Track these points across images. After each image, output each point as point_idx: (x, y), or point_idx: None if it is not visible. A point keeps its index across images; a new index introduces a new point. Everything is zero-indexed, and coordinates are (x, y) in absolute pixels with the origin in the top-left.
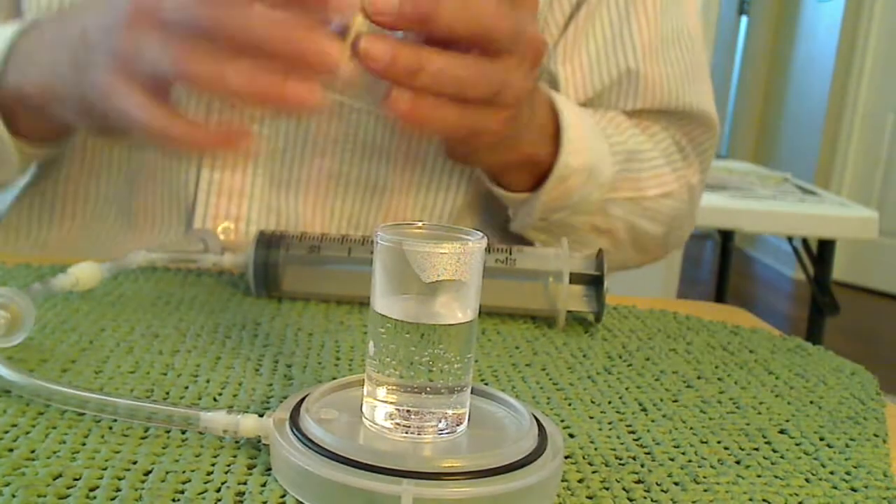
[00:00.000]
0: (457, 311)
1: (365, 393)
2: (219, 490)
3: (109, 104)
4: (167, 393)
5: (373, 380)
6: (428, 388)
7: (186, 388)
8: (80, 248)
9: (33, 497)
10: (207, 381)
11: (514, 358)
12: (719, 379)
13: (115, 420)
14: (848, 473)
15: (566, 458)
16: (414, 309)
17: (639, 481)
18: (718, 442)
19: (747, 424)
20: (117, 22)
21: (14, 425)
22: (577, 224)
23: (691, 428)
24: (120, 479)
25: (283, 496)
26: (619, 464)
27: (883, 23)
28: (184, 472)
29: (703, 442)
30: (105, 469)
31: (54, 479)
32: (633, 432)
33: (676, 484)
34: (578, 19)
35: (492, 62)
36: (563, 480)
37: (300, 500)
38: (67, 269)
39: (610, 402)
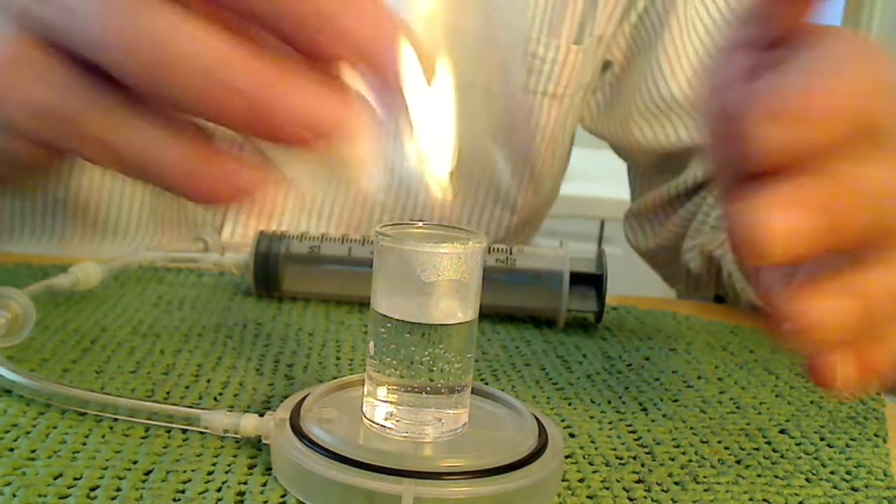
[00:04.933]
0: (457, 311)
1: (365, 393)
2: (219, 490)
3: None
4: (168, 393)
5: (373, 379)
6: (428, 388)
7: (187, 387)
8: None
9: (34, 497)
10: (208, 381)
11: (513, 358)
12: (719, 379)
13: (116, 420)
14: (848, 473)
15: (566, 457)
16: (414, 309)
17: (639, 481)
18: (719, 442)
19: (748, 424)
20: None
21: (14, 425)
22: None
23: (691, 428)
24: (120, 478)
25: (284, 496)
26: (620, 463)
27: (883, 22)
28: (184, 471)
29: (703, 442)
30: (106, 469)
31: (55, 479)
32: (633, 432)
33: (677, 483)
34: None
35: None
36: (563, 480)
37: (301, 499)
38: (68, 268)
39: (610, 402)
